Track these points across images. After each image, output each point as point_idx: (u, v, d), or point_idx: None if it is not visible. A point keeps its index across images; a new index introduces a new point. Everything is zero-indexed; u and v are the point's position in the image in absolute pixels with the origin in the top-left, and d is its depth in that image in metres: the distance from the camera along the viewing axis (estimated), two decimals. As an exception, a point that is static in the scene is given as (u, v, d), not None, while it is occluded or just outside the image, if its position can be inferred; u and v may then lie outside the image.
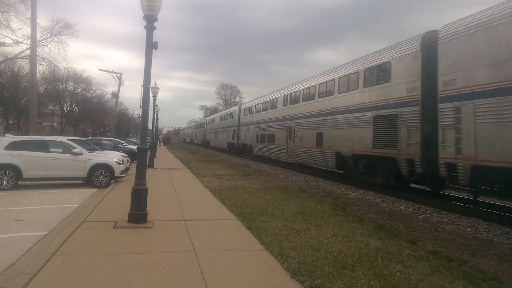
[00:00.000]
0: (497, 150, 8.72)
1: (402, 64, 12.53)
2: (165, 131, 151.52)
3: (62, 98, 54.78)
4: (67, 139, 14.39)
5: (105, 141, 26.25)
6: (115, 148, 23.58)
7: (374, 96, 14.04)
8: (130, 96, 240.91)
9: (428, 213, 9.96)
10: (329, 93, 17.83)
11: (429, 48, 11.36)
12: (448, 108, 10.20)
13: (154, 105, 26.79)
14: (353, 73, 15.69)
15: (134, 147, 22.60)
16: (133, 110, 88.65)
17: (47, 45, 29.40)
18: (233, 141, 39.19)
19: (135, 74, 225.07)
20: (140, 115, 8.43)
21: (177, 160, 29.24)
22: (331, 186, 15.02)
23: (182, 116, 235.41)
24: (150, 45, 7.52)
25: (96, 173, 13.31)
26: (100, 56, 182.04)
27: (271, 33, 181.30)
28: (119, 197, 10.43)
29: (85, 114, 60.77)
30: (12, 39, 26.87)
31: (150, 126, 27.93)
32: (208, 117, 69.47)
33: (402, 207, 10.72)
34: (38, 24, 21.74)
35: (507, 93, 8.49)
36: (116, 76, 43.61)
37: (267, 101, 28.22)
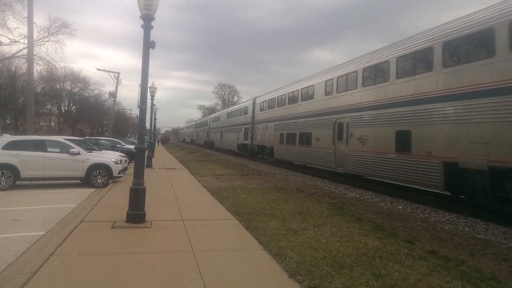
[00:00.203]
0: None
1: None
2: (163, 131, 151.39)
3: (59, 98, 54.59)
4: (65, 139, 14.35)
5: (103, 141, 26.19)
6: (113, 148, 23.52)
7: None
8: (128, 95, 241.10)
9: (426, 212, 9.98)
10: (425, 67, 11.50)
11: None
12: None
13: (152, 105, 26.81)
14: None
15: (132, 147, 22.58)
16: (131, 109, 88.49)
17: (44, 44, 29.46)
18: (246, 141, 32.90)
19: (132, 74, 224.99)
20: (138, 114, 8.45)
21: (175, 160, 29.22)
22: (329, 186, 15.03)
23: (180, 116, 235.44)
24: (148, 45, 7.51)
25: (94, 173, 13.28)
26: (98, 56, 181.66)
27: (269, 32, 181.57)
28: (117, 197, 10.41)
29: (83, 114, 60.59)
30: (9, 38, 26.80)
31: (148, 125, 27.97)
32: (212, 115, 61.33)
33: (400, 206, 10.74)
34: (35, 23, 21.75)
35: None
36: (114, 75, 43.63)
37: (296, 90, 21.68)
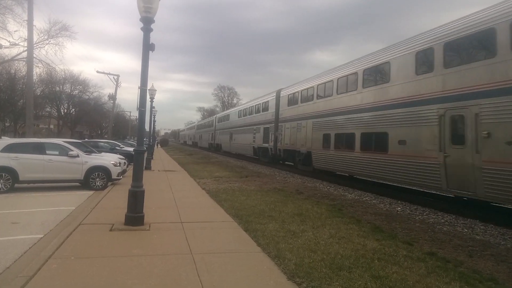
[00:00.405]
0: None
1: None
2: (162, 133, 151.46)
3: (59, 100, 54.67)
4: (64, 142, 14.36)
5: (102, 143, 26.24)
6: (112, 150, 23.54)
7: None
8: (128, 98, 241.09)
9: (425, 214, 9.98)
10: None
11: None
12: None
13: (152, 107, 26.85)
14: None
15: (131, 149, 22.58)
16: (130, 112, 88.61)
17: (44, 47, 29.55)
18: (266, 145, 26.56)
19: (132, 76, 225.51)
20: (137, 117, 8.47)
21: (174, 162, 29.21)
22: (328, 187, 15.03)
23: (180, 118, 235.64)
24: (147, 47, 7.52)
25: (93, 176, 13.27)
26: (97, 58, 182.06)
27: (269, 34, 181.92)
28: (116, 200, 10.40)
29: (82, 116, 60.64)
30: (9, 41, 26.91)
31: (147, 128, 27.99)
32: (218, 114, 54.22)
33: (399, 208, 10.74)
34: (35, 26, 21.74)
35: None
36: (113, 78, 43.66)
37: (353, 74, 15.36)
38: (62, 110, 57.58)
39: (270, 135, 25.65)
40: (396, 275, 4.94)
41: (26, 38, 22.41)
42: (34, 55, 23.95)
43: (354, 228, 7.66)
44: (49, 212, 9.02)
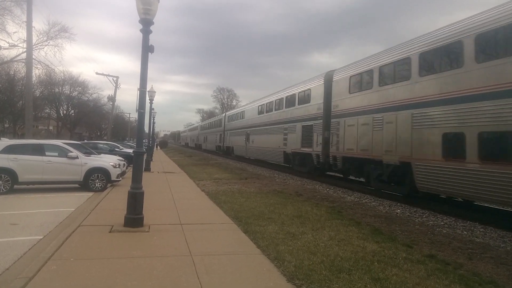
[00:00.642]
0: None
1: None
2: (162, 135, 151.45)
3: (58, 102, 54.57)
4: (63, 143, 14.34)
5: (102, 145, 26.19)
6: (112, 151, 23.51)
7: None
8: (127, 99, 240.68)
9: (424, 216, 9.98)
10: None
11: None
12: None
13: (151, 109, 26.85)
14: None
15: (131, 150, 22.57)
16: (129, 113, 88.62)
17: (43, 48, 29.53)
18: (307, 149, 19.24)
19: (131, 78, 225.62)
20: (137, 118, 8.48)
21: (174, 164, 29.18)
22: (327, 189, 15.03)
23: (179, 120, 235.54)
24: (146, 49, 7.53)
25: (92, 177, 13.26)
26: (97, 59, 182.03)
27: (268, 36, 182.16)
28: (115, 201, 10.39)
29: (82, 118, 60.57)
30: (8, 43, 26.93)
31: (146, 129, 27.94)
32: (228, 112, 46.71)
33: (399, 210, 10.74)
34: (34, 27, 21.80)
35: None
36: (113, 79, 43.71)
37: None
38: (61, 112, 57.50)
39: (315, 136, 18.22)
40: (396, 278, 4.94)
41: (25, 39, 22.49)
42: (33, 57, 24.01)
43: (354, 230, 7.66)
44: (49, 214, 9.01)
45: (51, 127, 69.27)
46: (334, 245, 6.45)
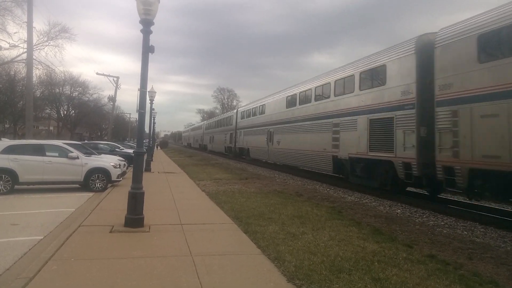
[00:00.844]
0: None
1: None
2: (162, 135, 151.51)
3: (58, 102, 54.55)
4: (64, 143, 14.35)
5: (102, 145, 26.21)
6: (112, 152, 23.54)
7: None
8: (127, 99, 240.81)
9: (424, 216, 9.98)
10: None
11: None
12: None
13: (151, 109, 26.84)
14: None
15: (131, 151, 22.57)
16: (130, 113, 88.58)
17: (43, 48, 29.58)
18: (383, 154, 12.82)
19: (132, 78, 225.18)
20: (137, 119, 8.50)
21: (174, 164, 29.19)
22: (328, 189, 15.03)
23: (179, 120, 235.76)
24: (147, 49, 7.54)
25: (93, 177, 13.28)
26: (97, 60, 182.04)
27: (268, 37, 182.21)
28: (116, 201, 10.40)
29: (82, 118, 60.55)
30: (9, 43, 26.92)
31: (147, 129, 27.96)
32: (241, 108, 38.93)
33: (399, 210, 10.74)
34: (34, 27, 21.77)
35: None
36: (113, 79, 43.75)
37: None
38: (61, 112, 57.48)
39: (400, 134, 11.96)
40: (396, 278, 4.94)
41: (25, 39, 22.44)
42: (34, 57, 24.01)
43: (354, 230, 7.66)
44: (49, 214, 9.02)
45: (51, 128, 69.26)
46: (335, 245, 6.45)
